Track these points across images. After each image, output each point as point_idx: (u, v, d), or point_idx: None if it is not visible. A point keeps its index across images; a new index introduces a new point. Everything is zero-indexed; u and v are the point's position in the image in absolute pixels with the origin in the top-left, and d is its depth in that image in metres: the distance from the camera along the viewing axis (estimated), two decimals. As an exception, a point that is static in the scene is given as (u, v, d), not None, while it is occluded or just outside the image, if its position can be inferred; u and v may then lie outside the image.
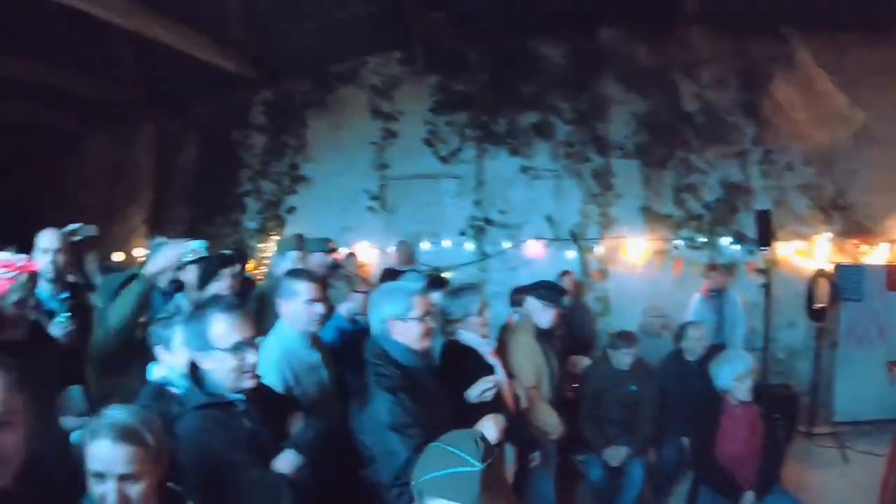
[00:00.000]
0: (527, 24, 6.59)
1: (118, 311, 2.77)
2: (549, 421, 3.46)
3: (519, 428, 2.97)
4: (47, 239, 3.08)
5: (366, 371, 2.38)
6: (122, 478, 1.45)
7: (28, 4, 5.92)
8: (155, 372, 2.37)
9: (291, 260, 3.92)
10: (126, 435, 1.46)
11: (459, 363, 2.86)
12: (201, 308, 2.07)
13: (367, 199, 7.16)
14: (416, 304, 2.41)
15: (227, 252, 4.17)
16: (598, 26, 6.64)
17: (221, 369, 1.95)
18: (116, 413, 1.52)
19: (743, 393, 3.47)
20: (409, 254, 6.30)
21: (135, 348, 2.68)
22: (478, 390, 2.66)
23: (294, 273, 2.87)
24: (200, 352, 1.97)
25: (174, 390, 2.16)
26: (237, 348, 1.95)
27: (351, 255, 6.29)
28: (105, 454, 1.44)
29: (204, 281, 3.39)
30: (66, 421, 2.34)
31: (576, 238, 6.59)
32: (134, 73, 7.84)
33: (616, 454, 4.05)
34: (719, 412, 3.54)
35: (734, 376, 3.48)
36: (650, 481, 4.15)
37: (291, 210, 7.57)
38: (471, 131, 6.89)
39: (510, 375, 3.23)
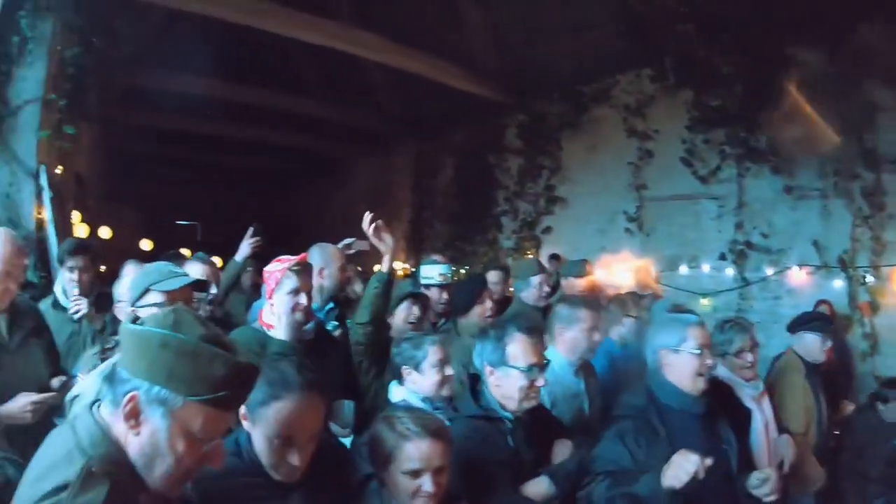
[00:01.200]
0: (781, 30, 8.00)
1: (363, 303, 3.66)
2: (813, 473, 4.08)
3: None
4: (323, 254, 4.03)
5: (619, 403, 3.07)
6: (437, 471, 2.14)
7: (298, 49, 9.08)
8: (395, 393, 3.15)
9: (535, 285, 5.11)
10: (438, 433, 2.18)
11: (714, 404, 3.12)
12: (502, 324, 2.88)
13: (624, 220, 9.56)
14: (692, 335, 2.94)
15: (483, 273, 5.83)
16: (859, 26, 7.49)
17: (510, 387, 2.72)
18: (423, 415, 2.29)
19: None
20: (647, 278, 8.21)
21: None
22: (754, 481, 2.91)
23: (573, 300, 3.77)
24: (493, 366, 2.76)
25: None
26: (530, 370, 2.70)
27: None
28: (424, 452, 2.12)
29: (467, 304, 4.38)
30: (333, 428, 3.04)
31: (843, 266, 7.72)
32: (394, 104, 11.07)
33: None
34: None
35: None
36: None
37: (547, 230, 10.32)
38: (730, 149, 8.72)
39: (780, 428, 3.83)
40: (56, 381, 3.18)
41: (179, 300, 2.49)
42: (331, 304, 4.08)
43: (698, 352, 2.91)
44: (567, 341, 3.58)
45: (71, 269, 4.24)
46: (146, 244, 9.97)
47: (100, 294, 4.35)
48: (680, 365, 2.94)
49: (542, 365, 2.78)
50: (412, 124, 11.64)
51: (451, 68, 9.49)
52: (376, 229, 3.61)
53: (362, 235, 3.91)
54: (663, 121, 9.24)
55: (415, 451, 2.11)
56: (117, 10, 7.13)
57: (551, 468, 2.72)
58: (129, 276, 3.54)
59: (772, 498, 2.85)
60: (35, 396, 2.88)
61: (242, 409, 2.04)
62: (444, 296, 4.65)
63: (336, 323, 4.00)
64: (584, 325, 3.56)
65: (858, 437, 5.13)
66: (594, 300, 4.15)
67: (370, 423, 2.38)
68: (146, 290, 2.61)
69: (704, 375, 2.94)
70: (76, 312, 4.01)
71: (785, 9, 7.59)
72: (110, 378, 1.55)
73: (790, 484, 3.84)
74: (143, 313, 2.49)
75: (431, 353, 3.10)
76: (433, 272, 4.74)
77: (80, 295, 4.11)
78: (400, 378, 3.16)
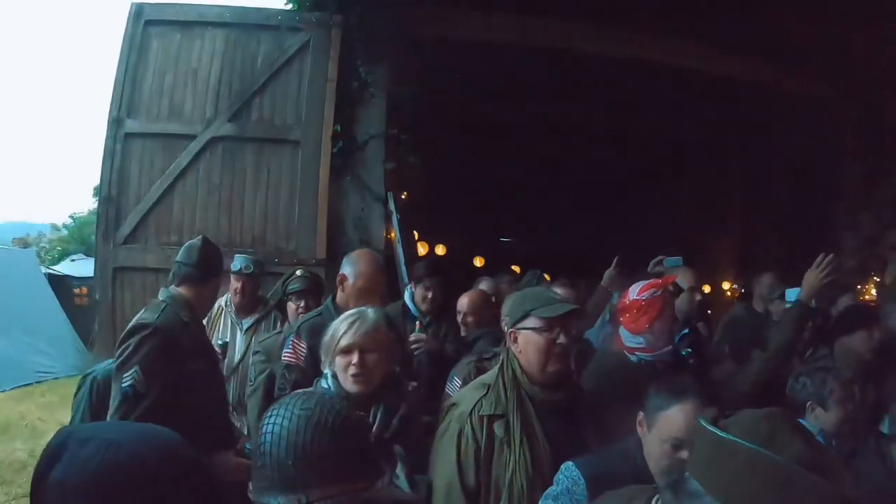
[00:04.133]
0: None
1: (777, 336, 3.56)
2: None
3: None
4: (687, 275, 4.15)
5: None
6: None
7: (618, 66, 9.09)
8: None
9: None
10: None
11: None
12: None
13: None
14: None
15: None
16: None
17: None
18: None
19: None
20: None
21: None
22: None
23: None
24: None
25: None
26: None
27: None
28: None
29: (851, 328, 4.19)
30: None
31: None
32: (717, 114, 10.70)
33: None
34: None
35: None
36: None
37: (896, 248, 9.10)
38: None
39: None
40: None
41: (558, 327, 2.65)
42: (685, 331, 4.10)
43: None
44: None
45: (426, 289, 4.66)
46: (478, 260, 10.69)
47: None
48: None
49: None
50: (738, 134, 11.18)
51: (774, 67, 8.93)
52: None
53: (683, 253, 4.31)
54: None
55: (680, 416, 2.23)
56: (435, 50, 7.85)
57: None
58: (508, 298, 3.74)
59: None
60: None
61: (640, 415, 2.36)
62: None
63: (690, 350, 3.95)
64: None
65: None
66: None
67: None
68: (527, 314, 2.72)
69: None
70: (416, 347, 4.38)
71: None
72: (676, 484, 1.34)
73: None
74: (524, 335, 2.68)
75: (837, 388, 3.11)
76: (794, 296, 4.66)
77: (428, 311, 4.60)
78: (800, 413, 3.14)
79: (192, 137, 6.90)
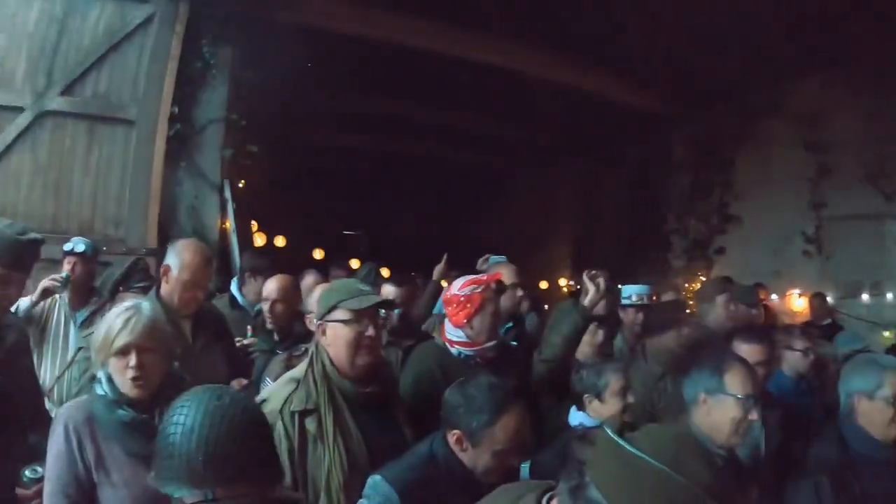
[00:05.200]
0: None
1: (551, 340, 3.56)
2: None
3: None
4: (509, 272, 4.13)
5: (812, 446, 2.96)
6: None
7: (462, 65, 9.27)
8: (573, 418, 3.22)
9: (720, 306, 4.81)
10: None
11: None
12: (720, 353, 2.92)
13: (801, 241, 8.98)
14: (888, 382, 2.79)
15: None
16: None
17: (722, 417, 2.68)
18: None
19: None
20: (823, 308, 7.82)
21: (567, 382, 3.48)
22: None
23: (745, 334, 3.74)
24: (708, 394, 2.71)
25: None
26: (746, 401, 2.65)
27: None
28: None
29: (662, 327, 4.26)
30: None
31: None
32: (558, 120, 11.12)
33: None
34: None
35: None
36: None
37: (720, 250, 9.87)
38: (926, 165, 8.00)
39: None
40: (235, 384, 3.31)
41: (366, 319, 2.60)
42: (509, 325, 4.20)
43: (893, 400, 2.78)
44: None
45: (256, 281, 4.61)
46: (318, 253, 10.58)
47: None
48: (873, 412, 2.82)
49: (757, 400, 2.72)
50: (577, 139, 11.56)
51: (615, 82, 9.35)
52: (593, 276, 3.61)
53: (516, 250, 4.08)
54: (843, 132, 8.54)
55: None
56: (286, 36, 7.69)
57: None
58: (317, 289, 3.71)
59: None
60: None
61: (457, 433, 2.32)
62: (640, 317, 4.70)
63: (515, 343, 4.06)
64: (752, 359, 3.40)
65: None
66: (764, 331, 3.99)
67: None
68: (335, 307, 2.65)
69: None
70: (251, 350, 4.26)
71: None
72: (575, 488, 1.32)
73: None
74: (332, 327, 2.62)
75: (614, 381, 3.17)
76: (632, 292, 4.81)
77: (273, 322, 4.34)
78: (580, 404, 3.23)
79: (20, 110, 6.31)
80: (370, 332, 2.59)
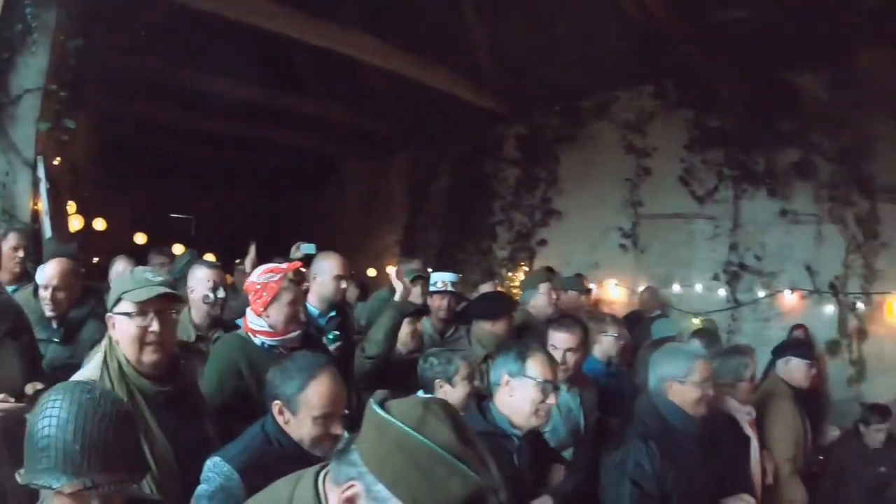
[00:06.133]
0: (782, 54, 8.17)
1: (373, 337, 3.84)
2: (797, 496, 4.30)
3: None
4: (336, 264, 4.12)
5: (631, 420, 3.30)
6: None
7: (299, 47, 9.07)
8: None
9: (543, 293, 5.18)
10: None
11: (718, 432, 3.54)
12: (525, 342, 3.13)
13: (618, 236, 9.58)
14: (698, 368, 3.20)
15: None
16: (857, 51, 7.82)
17: (523, 399, 2.84)
18: None
19: None
20: (654, 299, 8.48)
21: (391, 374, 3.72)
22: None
23: (559, 323, 3.92)
24: (511, 376, 2.89)
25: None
26: (546, 385, 2.84)
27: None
28: None
29: (495, 315, 4.55)
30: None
31: (834, 291, 7.97)
32: (394, 109, 11.07)
33: None
34: None
35: None
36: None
37: (542, 242, 10.32)
38: (727, 170, 8.84)
39: (763, 446, 4.04)
40: (30, 388, 2.97)
41: (152, 311, 2.41)
42: (333, 313, 4.14)
43: (702, 384, 3.19)
44: None
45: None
46: (140, 237, 9.93)
47: (85, 288, 4.28)
48: (684, 394, 3.20)
49: (556, 385, 2.93)
50: (411, 129, 11.65)
51: (453, 76, 9.45)
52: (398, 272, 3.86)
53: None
54: (662, 139, 9.30)
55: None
56: (119, 1, 7.07)
57: (552, 488, 2.92)
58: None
59: None
60: (2, 405, 2.63)
61: (278, 404, 2.36)
62: (446, 303, 4.79)
63: (337, 332, 4.06)
64: (564, 346, 3.74)
65: (842, 463, 5.30)
66: (576, 319, 4.16)
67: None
68: (119, 299, 2.45)
69: (705, 403, 3.23)
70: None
71: (787, 34, 7.76)
72: (340, 453, 1.44)
73: None
74: (118, 322, 2.42)
75: (462, 367, 3.35)
76: (438, 279, 4.91)
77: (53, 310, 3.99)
78: (430, 390, 3.33)
79: None
80: (154, 327, 2.41)
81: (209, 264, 4.22)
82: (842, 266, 8.03)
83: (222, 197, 14.74)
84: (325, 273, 4.08)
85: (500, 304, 4.71)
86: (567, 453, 3.62)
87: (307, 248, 4.99)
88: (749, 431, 3.94)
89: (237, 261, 6.94)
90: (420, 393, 3.29)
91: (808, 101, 8.30)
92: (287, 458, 2.24)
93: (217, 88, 9.46)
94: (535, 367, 2.88)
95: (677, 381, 3.20)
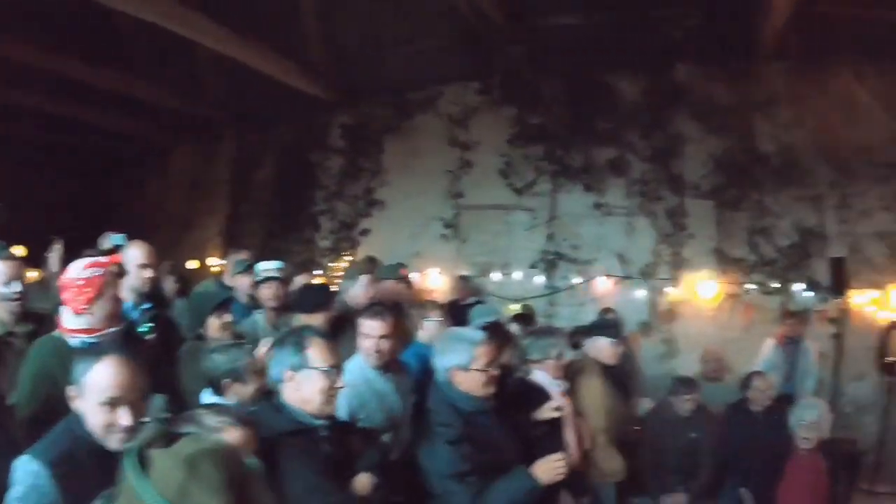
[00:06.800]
0: (605, 60, 8.84)
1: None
2: (612, 464, 4.53)
3: (577, 473, 3.82)
4: (140, 252, 4.07)
5: (428, 415, 3.30)
6: None
7: (126, 24, 8.50)
8: (206, 399, 3.11)
9: (361, 285, 5.10)
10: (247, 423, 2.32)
11: (527, 403, 3.78)
12: (298, 331, 2.96)
13: (440, 226, 9.65)
14: (480, 354, 3.22)
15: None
16: (676, 63, 8.71)
17: (312, 389, 2.72)
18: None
19: (811, 441, 4.70)
20: (470, 288, 8.57)
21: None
22: (546, 411, 3.58)
23: (369, 311, 3.83)
24: (294, 370, 2.75)
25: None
26: (331, 372, 2.74)
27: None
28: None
29: (315, 307, 4.49)
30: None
31: (645, 277, 8.65)
32: (220, 93, 10.58)
33: (674, 501, 5.41)
34: (785, 462, 4.78)
35: (806, 422, 4.70)
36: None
37: (365, 232, 10.20)
38: (546, 165, 9.23)
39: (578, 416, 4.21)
40: None
41: None
42: (146, 305, 4.03)
43: (486, 369, 3.23)
44: (363, 348, 3.72)
45: None
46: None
47: None
48: (470, 381, 3.24)
49: (339, 368, 2.84)
50: (238, 116, 11.21)
51: (284, 63, 9.15)
52: None
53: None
54: (485, 133, 9.52)
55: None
56: None
57: (361, 464, 2.86)
58: None
59: (562, 475, 3.21)
60: None
61: (72, 389, 2.26)
62: (272, 291, 4.86)
63: (151, 324, 3.92)
64: (375, 335, 3.68)
65: (656, 431, 5.67)
66: (391, 307, 4.13)
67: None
68: None
69: (493, 384, 3.28)
70: None
71: (612, 42, 8.44)
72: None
73: (592, 473, 4.36)
74: None
75: (251, 363, 3.18)
76: (270, 266, 4.96)
77: None
78: (220, 391, 3.11)
79: None
80: None
81: (4, 256, 3.93)
82: (651, 255, 8.70)
83: (37, 182, 13.23)
84: (129, 262, 3.98)
85: (317, 297, 4.66)
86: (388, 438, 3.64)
87: (116, 238, 4.80)
88: (561, 401, 4.07)
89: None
90: (208, 394, 3.14)
91: (626, 104, 8.98)
92: (96, 449, 2.17)
93: (29, 59, 8.57)
94: (316, 355, 2.77)
95: (461, 370, 3.23)
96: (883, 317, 7.86)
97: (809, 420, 4.74)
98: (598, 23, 8.63)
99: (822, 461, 4.79)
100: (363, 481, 2.76)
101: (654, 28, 8.42)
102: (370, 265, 5.76)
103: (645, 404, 6.22)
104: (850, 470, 6.60)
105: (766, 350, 7.40)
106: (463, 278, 8.79)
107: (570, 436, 4.01)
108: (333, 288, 5.60)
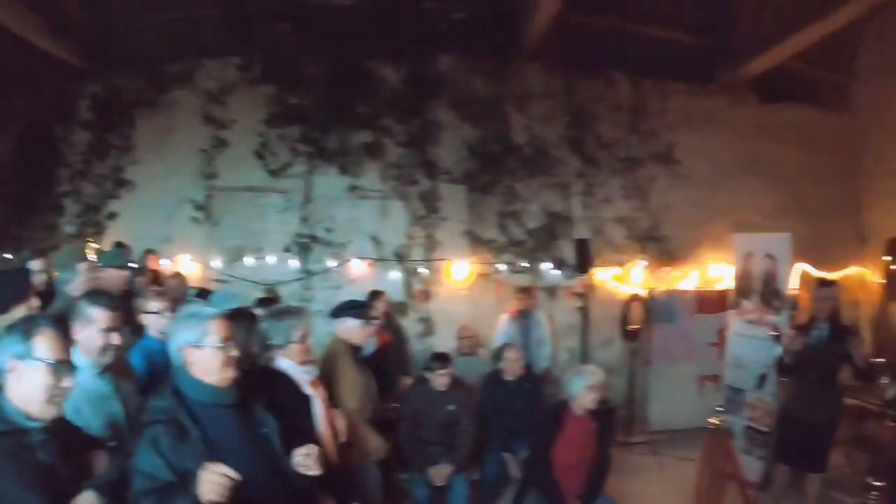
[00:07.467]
0: (369, 45, 8.85)
1: None
2: (373, 443, 4.63)
3: (339, 473, 3.81)
4: None
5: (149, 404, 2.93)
6: None
7: None
8: None
9: (80, 274, 4.73)
10: None
11: (273, 393, 3.42)
12: (30, 319, 2.70)
13: (191, 208, 9.07)
14: (213, 329, 2.94)
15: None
16: (438, 54, 9.03)
17: (33, 385, 2.46)
18: None
19: (588, 404, 5.09)
20: (184, 286, 7.54)
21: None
22: (298, 458, 3.09)
23: (92, 297, 3.45)
24: (19, 359, 2.47)
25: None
26: (57, 367, 2.49)
27: (177, 274, 7.81)
28: None
29: (8, 302, 3.81)
30: None
31: (400, 259, 8.79)
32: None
33: (439, 473, 5.65)
34: (556, 425, 5.11)
35: (583, 387, 5.05)
36: (474, 496, 5.83)
37: (112, 216, 9.36)
38: (302, 146, 8.99)
39: (331, 404, 4.13)
40: None
41: None
42: None
43: (221, 345, 2.94)
44: (83, 341, 3.26)
45: None
46: None
47: None
48: (205, 360, 2.92)
49: (67, 365, 2.56)
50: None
51: (28, 16, 8.04)
52: None
53: None
54: (241, 112, 9.07)
55: None
56: None
57: (94, 481, 2.56)
58: None
59: (315, 470, 3.06)
60: None
61: None
62: None
63: None
64: (100, 325, 3.31)
65: (415, 407, 5.92)
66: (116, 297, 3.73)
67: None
68: None
69: (231, 366, 2.98)
70: None
71: (377, 27, 8.70)
72: None
73: (352, 455, 4.37)
74: None
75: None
76: None
77: None
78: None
79: None
80: None
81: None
82: (405, 237, 8.91)
83: None
84: None
85: (11, 288, 3.95)
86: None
87: None
88: (309, 391, 3.92)
89: None
90: None
91: (386, 90, 9.08)
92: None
93: None
94: (43, 345, 2.49)
95: (194, 348, 2.93)
96: (624, 290, 9.09)
97: (593, 384, 5.09)
98: (367, 7, 8.76)
99: (592, 421, 5.19)
100: (86, 501, 2.45)
101: (422, 18, 8.77)
102: (83, 253, 5.30)
103: (406, 382, 6.59)
104: (606, 425, 7.17)
105: (501, 324, 8.14)
106: (176, 276, 7.80)
107: (324, 428, 3.91)
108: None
